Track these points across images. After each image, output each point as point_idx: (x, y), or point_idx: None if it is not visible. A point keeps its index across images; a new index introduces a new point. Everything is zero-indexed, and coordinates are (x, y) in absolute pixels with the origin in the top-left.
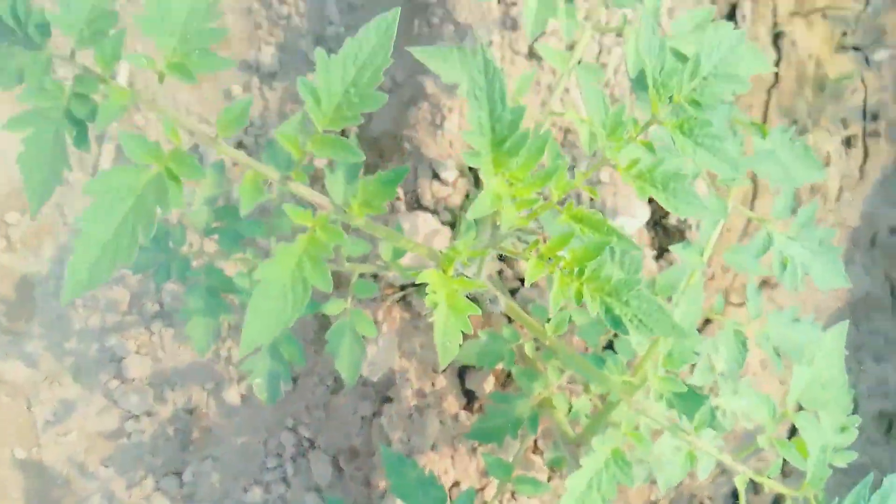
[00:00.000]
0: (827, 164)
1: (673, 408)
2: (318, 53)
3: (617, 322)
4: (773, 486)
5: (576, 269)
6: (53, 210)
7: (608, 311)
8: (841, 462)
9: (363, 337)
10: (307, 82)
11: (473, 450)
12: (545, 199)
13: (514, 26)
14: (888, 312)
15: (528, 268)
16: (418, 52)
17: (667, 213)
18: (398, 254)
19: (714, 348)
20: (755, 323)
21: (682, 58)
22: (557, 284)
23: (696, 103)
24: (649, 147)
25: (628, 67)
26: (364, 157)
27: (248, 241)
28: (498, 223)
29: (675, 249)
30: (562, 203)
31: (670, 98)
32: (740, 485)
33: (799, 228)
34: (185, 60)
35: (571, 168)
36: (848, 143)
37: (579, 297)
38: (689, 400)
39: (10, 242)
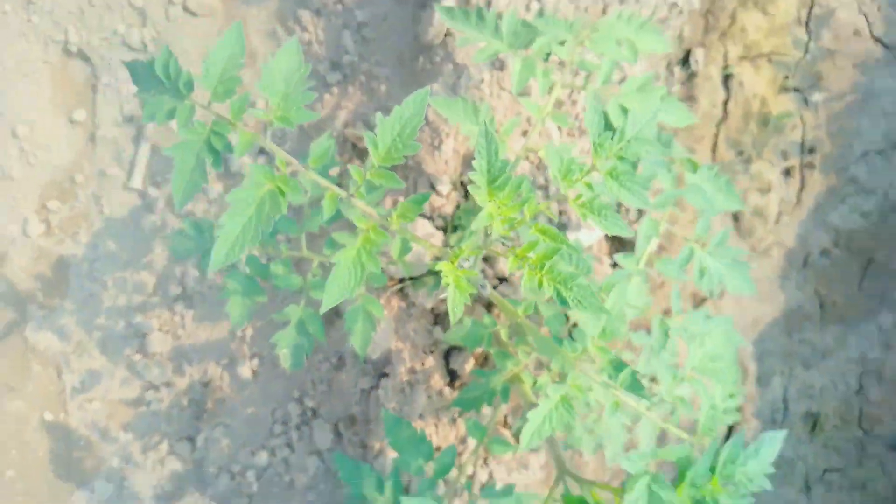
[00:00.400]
0: (768, 190)
1: (608, 374)
2: (378, 116)
3: (564, 301)
4: (675, 431)
5: (539, 265)
6: (91, 199)
7: (558, 294)
8: (730, 420)
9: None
10: (370, 134)
11: (453, 420)
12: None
13: (502, 67)
14: (816, 324)
15: (508, 263)
16: (435, 103)
17: None
18: (404, 252)
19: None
20: (679, 318)
21: (626, 112)
22: (526, 275)
23: (621, 158)
24: (589, 186)
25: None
26: (404, 185)
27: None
28: (489, 233)
29: (618, 258)
30: (534, 219)
31: (605, 154)
32: (651, 430)
33: (715, 247)
34: (286, 114)
35: (545, 188)
36: (787, 172)
37: (540, 284)
38: (617, 366)
39: (50, 227)
